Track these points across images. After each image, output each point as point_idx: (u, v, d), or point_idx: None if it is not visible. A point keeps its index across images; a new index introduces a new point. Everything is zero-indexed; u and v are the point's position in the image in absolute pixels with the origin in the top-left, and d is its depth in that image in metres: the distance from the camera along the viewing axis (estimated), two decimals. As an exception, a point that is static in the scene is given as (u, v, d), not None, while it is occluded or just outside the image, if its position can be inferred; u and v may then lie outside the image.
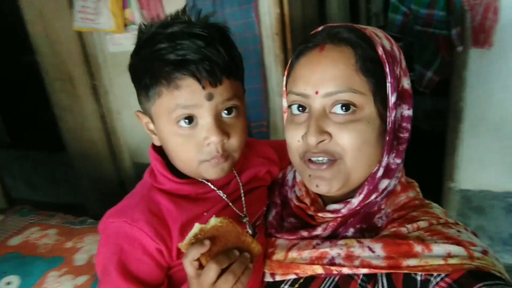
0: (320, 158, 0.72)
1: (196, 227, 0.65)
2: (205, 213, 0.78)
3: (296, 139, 0.74)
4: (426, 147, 2.80)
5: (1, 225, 2.04)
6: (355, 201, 0.75)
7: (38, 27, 2.66)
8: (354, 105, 0.69)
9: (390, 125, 0.71)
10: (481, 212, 2.46)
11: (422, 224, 0.71)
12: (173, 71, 0.69)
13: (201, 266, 0.64)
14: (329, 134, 0.70)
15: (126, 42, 2.51)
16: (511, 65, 2.07)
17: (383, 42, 0.72)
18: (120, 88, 2.81)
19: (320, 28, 0.77)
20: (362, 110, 0.70)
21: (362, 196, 0.75)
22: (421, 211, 0.75)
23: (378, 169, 0.74)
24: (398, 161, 0.76)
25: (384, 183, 0.75)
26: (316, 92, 0.70)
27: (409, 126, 0.75)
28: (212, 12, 0.78)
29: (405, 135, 0.75)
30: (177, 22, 0.72)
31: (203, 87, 0.69)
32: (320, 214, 0.79)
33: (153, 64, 0.70)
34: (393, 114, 0.71)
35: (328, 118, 0.71)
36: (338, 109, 0.70)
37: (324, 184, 0.73)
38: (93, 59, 2.73)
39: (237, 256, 0.66)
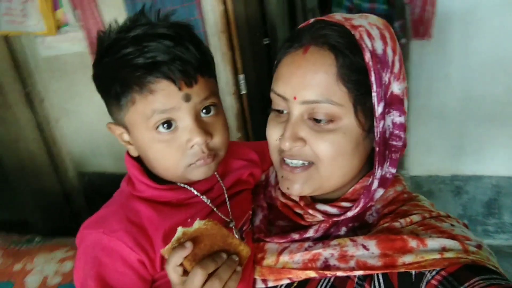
0: (295, 161, 0.71)
1: (179, 231, 0.61)
2: (189, 220, 0.74)
3: (274, 138, 0.74)
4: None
5: None
6: (351, 214, 0.74)
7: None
8: (331, 117, 0.68)
9: (378, 135, 0.69)
10: (431, 196, 2.57)
11: (415, 218, 0.71)
12: (145, 75, 0.64)
13: (185, 272, 0.60)
14: (304, 141, 0.69)
15: (60, 45, 2.35)
16: (450, 55, 2.17)
17: (375, 44, 0.67)
18: (57, 95, 2.63)
19: (311, 21, 0.72)
20: (340, 120, 0.68)
21: (358, 209, 0.73)
22: (410, 205, 0.75)
23: (372, 182, 0.72)
24: (393, 170, 0.74)
25: (380, 192, 0.75)
26: (295, 98, 0.68)
27: (402, 134, 0.72)
28: (172, 11, 0.74)
29: (398, 143, 0.72)
30: (138, 25, 0.67)
31: (179, 88, 0.65)
32: (310, 211, 0.77)
33: (121, 71, 0.65)
34: (381, 124, 0.69)
35: (305, 123, 0.70)
36: (315, 116, 0.68)
37: (296, 187, 0.73)
38: (24, 64, 2.53)
39: (224, 260, 0.63)
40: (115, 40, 0.68)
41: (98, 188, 2.88)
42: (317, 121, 0.68)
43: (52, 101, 2.70)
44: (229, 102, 2.33)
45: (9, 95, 2.56)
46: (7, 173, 2.87)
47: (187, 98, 0.67)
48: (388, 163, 0.73)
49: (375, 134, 0.69)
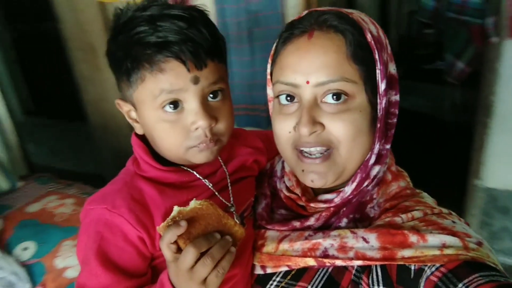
0: (313, 149, 0.70)
1: (175, 210, 0.62)
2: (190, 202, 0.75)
3: (287, 130, 0.72)
4: (451, 140, 2.69)
5: (20, 191, 2.10)
6: (348, 190, 0.74)
7: (62, -5, 2.66)
8: (346, 94, 0.68)
9: (381, 112, 0.71)
10: (507, 213, 2.36)
11: (417, 214, 0.70)
12: (156, 54, 0.66)
13: (179, 250, 0.62)
14: (322, 125, 0.69)
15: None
16: (549, 59, 1.93)
17: (370, 27, 0.70)
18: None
19: (304, 13, 0.74)
20: (354, 98, 0.68)
21: (355, 184, 0.73)
22: (413, 201, 0.74)
23: (370, 156, 0.73)
24: (388, 146, 0.76)
25: (375, 169, 0.75)
26: (307, 82, 0.68)
27: (396, 111, 0.75)
28: (182, 0, 0.76)
29: (394, 120, 0.75)
30: (155, 5, 0.69)
31: (188, 70, 0.66)
32: (312, 205, 0.77)
33: (133, 48, 0.67)
34: (384, 101, 0.70)
35: (319, 108, 0.69)
36: (329, 98, 0.68)
37: (319, 178, 0.71)
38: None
39: (218, 239, 0.63)
40: (130, 17, 0.69)
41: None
42: (332, 101, 0.68)
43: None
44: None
45: (100, 58, 2.77)
46: (92, 130, 3.14)
47: (196, 81, 0.68)
48: (384, 140, 0.74)
49: (378, 110, 0.70)
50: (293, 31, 0.71)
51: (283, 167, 0.88)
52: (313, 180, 0.72)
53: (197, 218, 0.63)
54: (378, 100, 0.70)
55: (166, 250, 0.62)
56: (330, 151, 0.70)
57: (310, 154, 0.71)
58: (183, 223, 0.60)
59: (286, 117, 0.72)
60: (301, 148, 0.71)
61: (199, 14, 0.71)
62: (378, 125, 0.71)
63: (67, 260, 1.68)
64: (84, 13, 2.65)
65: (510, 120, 2.13)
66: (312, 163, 0.71)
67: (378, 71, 0.69)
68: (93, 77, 2.85)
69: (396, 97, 0.74)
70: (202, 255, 0.61)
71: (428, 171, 2.58)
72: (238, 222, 0.66)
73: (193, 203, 0.63)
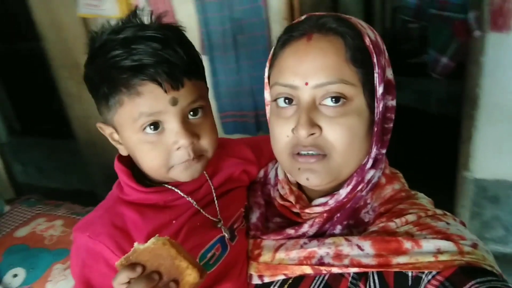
0: (310, 152, 0.70)
1: (133, 248, 0.60)
2: (173, 221, 0.76)
3: (285, 134, 0.72)
4: (438, 133, 2.72)
5: (8, 216, 2.05)
6: (343, 192, 0.74)
7: (43, 14, 2.64)
8: (345, 97, 0.68)
9: (378, 116, 0.71)
10: (497, 202, 2.40)
11: (411, 217, 0.70)
12: (132, 78, 0.66)
13: None
14: (320, 128, 0.68)
15: (131, 29, 2.46)
16: (531, 50, 1.98)
17: (368, 32, 0.71)
18: (127, 75, 2.77)
19: (303, 18, 0.74)
20: (352, 101, 0.68)
21: (350, 187, 0.73)
22: (407, 203, 0.74)
23: (367, 161, 0.72)
24: (383, 151, 0.76)
25: (370, 173, 0.75)
26: (306, 83, 0.67)
27: (393, 116, 0.75)
28: (164, 12, 0.75)
29: (390, 125, 0.75)
30: (129, 26, 0.68)
31: (166, 91, 0.66)
32: (307, 210, 0.77)
33: (109, 72, 0.67)
34: (381, 105, 0.71)
35: (318, 110, 0.69)
36: (328, 101, 0.68)
37: (315, 176, 0.71)
38: (99, 46, 2.70)
39: (156, 281, 0.58)
40: (105, 41, 0.69)
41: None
42: (331, 104, 0.68)
43: (122, 81, 2.85)
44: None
45: (85, 74, 2.76)
46: (80, 147, 3.10)
47: (174, 102, 0.68)
48: (380, 144, 0.74)
49: (375, 114, 0.71)
50: (292, 33, 0.71)
51: (276, 175, 0.88)
52: (308, 178, 0.71)
53: (150, 257, 0.60)
54: (376, 104, 0.70)
55: None
56: (325, 156, 0.70)
57: (307, 153, 0.71)
58: (139, 269, 0.58)
59: (284, 121, 0.72)
60: (297, 152, 0.71)
61: (174, 34, 0.71)
62: (375, 129, 0.71)
63: (59, 284, 1.64)
64: (67, 30, 2.63)
65: (496, 111, 2.17)
66: (306, 162, 0.70)
67: (376, 75, 0.69)
68: (79, 94, 2.82)
69: (392, 102, 0.74)
70: None
71: (417, 165, 2.61)
72: (192, 265, 0.60)
73: (150, 241, 0.60)
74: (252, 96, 2.31)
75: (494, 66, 2.07)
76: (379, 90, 0.70)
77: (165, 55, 0.66)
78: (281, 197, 0.83)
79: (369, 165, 0.73)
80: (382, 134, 0.74)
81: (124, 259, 0.59)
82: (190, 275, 0.60)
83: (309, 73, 0.67)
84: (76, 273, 0.73)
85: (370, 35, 0.70)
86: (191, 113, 0.72)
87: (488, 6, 1.90)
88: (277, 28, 2.19)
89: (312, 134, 0.68)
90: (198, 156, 0.73)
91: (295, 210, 0.80)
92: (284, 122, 0.71)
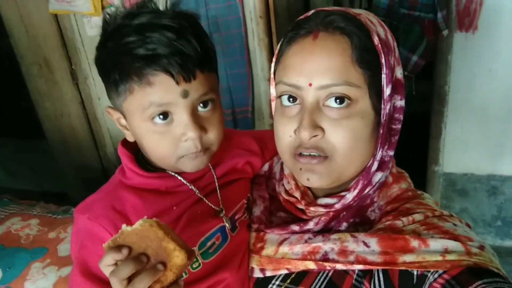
0: (312, 153, 0.69)
1: (120, 230, 0.59)
2: (174, 207, 0.76)
3: (288, 134, 0.71)
4: (408, 130, 2.80)
5: (-20, 216, 1.99)
6: (350, 196, 0.73)
7: (11, 9, 2.55)
8: (349, 99, 0.66)
9: (384, 118, 0.69)
10: (465, 195, 2.50)
11: (418, 217, 0.70)
12: (144, 67, 0.65)
13: None
14: (322, 130, 0.67)
15: (105, 26, 2.42)
16: (495, 49, 2.08)
17: (378, 29, 0.68)
18: (100, 73, 2.72)
19: (311, 13, 0.72)
20: (357, 103, 0.66)
21: (356, 191, 0.72)
22: (414, 203, 0.74)
23: (372, 163, 0.71)
24: (391, 153, 0.74)
25: (378, 175, 0.74)
26: (310, 84, 0.66)
27: (401, 117, 0.73)
28: (178, 1, 0.73)
29: (398, 126, 0.73)
30: (144, 12, 0.67)
31: (177, 83, 0.65)
32: (312, 209, 0.76)
33: (121, 58, 0.66)
34: (388, 107, 0.69)
35: (321, 112, 0.67)
36: (332, 102, 0.66)
37: (316, 177, 0.70)
38: (71, 43, 2.63)
39: (143, 264, 0.58)
40: (119, 25, 0.68)
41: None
42: (334, 105, 0.66)
43: (95, 79, 2.78)
44: (263, 87, 2.35)
45: (56, 72, 2.68)
46: (51, 147, 3.02)
47: (185, 94, 0.67)
48: (387, 146, 0.73)
49: (382, 116, 0.69)
50: (298, 31, 0.69)
51: (281, 169, 0.87)
52: (309, 178, 0.70)
53: (137, 238, 0.59)
54: (382, 106, 0.69)
55: (105, 271, 0.59)
56: (326, 158, 0.69)
57: (308, 154, 0.70)
58: (125, 251, 0.57)
59: (287, 120, 0.71)
60: (300, 153, 0.70)
61: (189, 23, 0.69)
62: (381, 131, 0.70)
63: (38, 283, 1.61)
64: (37, 27, 2.55)
65: (464, 107, 2.27)
66: (308, 163, 0.69)
67: (384, 76, 0.67)
68: (49, 92, 2.75)
69: (401, 102, 0.72)
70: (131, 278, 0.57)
71: (391, 162, 2.67)
72: (179, 247, 0.59)
73: (137, 223, 0.59)
74: (229, 94, 2.31)
75: (461, 65, 2.16)
76: (387, 91, 0.68)
77: (179, 46, 0.65)
78: (286, 192, 0.82)
79: (374, 167, 0.72)
80: (389, 136, 0.72)
81: (111, 241, 0.58)
82: (178, 257, 0.59)
83: (313, 74, 0.66)
84: (75, 253, 0.74)
85: (379, 33, 0.68)
86: (201, 105, 0.71)
87: (455, 6, 1.98)
88: (253, 25, 2.21)
89: (315, 136, 0.67)
90: (204, 149, 0.73)
91: (300, 206, 0.79)
92: (287, 121, 0.71)
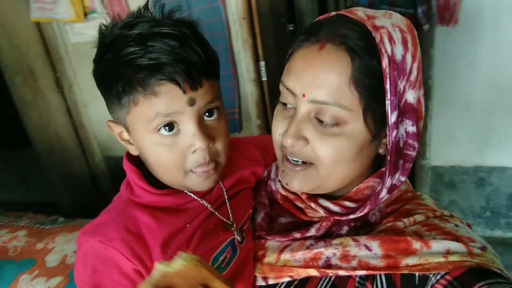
0: (295, 159, 0.70)
1: (158, 270, 0.54)
2: (187, 225, 0.73)
3: (278, 132, 0.72)
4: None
5: (-33, 229, 1.96)
6: (353, 216, 0.72)
7: (-7, 19, 2.53)
8: (338, 120, 0.65)
9: (391, 145, 0.67)
10: (453, 187, 2.53)
11: (419, 217, 0.70)
12: (149, 77, 0.62)
13: None
14: (306, 140, 0.67)
15: (87, 32, 2.41)
16: (477, 42, 2.11)
17: (395, 49, 0.64)
18: (85, 80, 2.71)
19: (333, 15, 0.70)
20: (346, 125, 0.66)
21: (363, 213, 0.72)
22: (414, 203, 0.74)
23: (381, 190, 0.70)
24: (403, 178, 0.72)
25: (386, 197, 0.72)
26: (304, 95, 0.66)
27: (415, 143, 0.70)
28: (177, 7, 0.71)
29: (412, 153, 0.70)
30: (142, 21, 0.65)
31: (184, 92, 0.63)
32: (312, 205, 0.75)
33: (123, 70, 0.63)
34: (394, 133, 0.67)
35: (310, 122, 0.67)
36: (321, 117, 0.66)
37: (295, 183, 0.71)
38: (55, 50, 2.62)
39: None
40: (117, 36, 0.65)
41: (124, 172, 2.95)
42: (323, 121, 0.66)
43: (80, 86, 2.78)
44: (249, 89, 2.35)
45: (40, 80, 2.66)
46: (38, 156, 2.98)
47: (192, 102, 0.65)
48: (400, 172, 0.71)
49: (388, 143, 0.67)
50: (309, 36, 0.68)
51: (277, 168, 0.86)
52: (288, 183, 0.72)
53: (181, 280, 0.55)
54: (388, 132, 0.66)
55: None
56: (310, 164, 0.69)
57: (293, 160, 0.71)
58: None
59: (281, 119, 0.72)
60: (285, 154, 0.72)
61: (190, 31, 0.67)
62: (389, 158, 0.68)
63: (26, 295, 1.61)
64: (19, 35, 2.53)
65: (448, 101, 2.29)
66: (292, 169, 0.71)
67: (387, 102, 0.65)
68: (35, 101, 2.72)
69: (413, 128, 0.69)
70: None
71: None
72: (224, 283, 0.55)
73: (178, 262, 0.55)
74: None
75: (444, 58, 2.19)
76: (391, 118, 0.65)
77: (183, 54, 0.63)
78: (284, 188, 0.80)
79: (383, 194, 0.70)
80: (401, 162, 0.70)
81: (151, 285, 0.53)
82: None
83: (308, 86, 0.66)
84: (84, 280, 0.68)
85: (396, 53, 0.64)
86: (206, 114, 0.69)
87: (435, 1, 2.01)
88: (236, 27, 2.22)
89: (297, 145, 0.68)
90: (213, 161, 0.70)
91: (299, 204, 0.78)
92: (280, 121, 0.72)
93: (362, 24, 0.65)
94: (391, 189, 0.71)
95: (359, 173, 0.72)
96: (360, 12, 0.67)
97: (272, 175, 0.88)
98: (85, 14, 2.36)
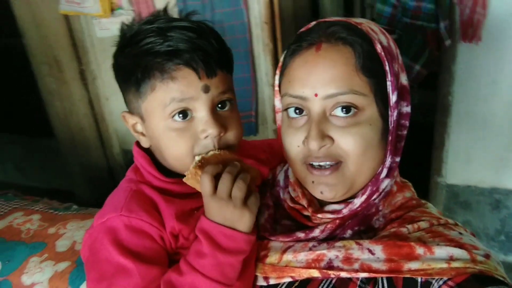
0: (323, 163, 0.69)
1: (197, 158, 0.69)
2: (195, 211, 0.75)
3: (295, 144, 0.71)
4: (411, 140, 2.79)
5: (-16, 209, 2.03)
6: (358, 202, 0.73)
7: (23, 10, 2.62)
8: (356, 107, 0.67)
9: (392, 125, 0.69)
10: (468, 208, 2.46)
11: (423, 224, 0.70)
12: (167, 62, 0.66)
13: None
14: (331, 139, 0.68)
15: (113, 27, 2.47)
16: (499, 60, 2.06)
17: (380, 37, 0.69)
18: (108, 74, 2.76)
19: (312, 24, 0.73)
20: (364, 111, 0.67)
21: (365, 196, 0.72)
22: (418, 211, 0.75)
23: (382, 170, 0.72)
24: (397, 159, 0.74)
25: (385, 182, 0.74)
26: (316, 95, 0.67)
27: (407, 123, 0.73)
28: (194, 12, 0.76)
29: (404, 132, 0.74)
30: (162, 19, 0.70)
31: (200, 78, 0.67)
32: (319, 215, 0.76)
33: (143, 58, 0.67)
34: (395, 113, 0.69)
35: (329, 121, 0.68)
36: (338, 111, 0.67)
37: (329, 190, 0.71)
38: (81, 43, 2.69)
39: (238, 167, 0.68)
40: (137, 31, 0.69)
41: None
42: (341, 114, 0.67)
43: (103, 80, 2.85)
44: (267, 93, 2.37)
45: (65, 71, 2.75)
46: (59, 145, 3.08)
47: (206, 89, 0.68)
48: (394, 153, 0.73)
49: (390, 123, 0.69)
50: (301, 43, 0.70)
51: (286, 177, 0.86)
52: (322, 191, 0.71)
53: (220, 161, 0.69)
54: (389, 112, 0.69)
55: (207, 183, 0.66)
56: (339, 164, 0.69)
57: (320, 166, 0.70)
58: (220, 166, 0.67)
59: (295, 131, 0.71)
60: (311, 162, 0.71)
61: (207, 26, 0.72)
62: (390, 138, 0.70)
63: (35, 276, 1.64)
64: (48, 27, 2.62)
65: (467, 118, 2.24)
66: (321, 175, 0.70)
67: (388, 83, 0.68)
68: (59, 91, 2.81)
69: (407, 109, 0.72)
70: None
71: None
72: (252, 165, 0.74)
73: (212, 152, 0.70)
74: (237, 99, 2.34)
75: (465, 75, 2.14)
76: (393, 98, 0.68)
77: (200, 44, 0.67)
78: (292, 199, 0.81)
79: (383, 174, 0.72)
80: (396, 142, 0.73)
81: (195, 165, 0.68)
82: (254, 170, 0.73)
83: (318, 84, 0.67)
84: (115, 255, 0.68)
85: (382, 41, 0.68)
86: (219, 105, 0.72)
87: (458, 17, 1.98)
88: (258, 31, 2.23)
89: (324, 145, 0.67)
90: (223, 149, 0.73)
91: (306, 213, 0.79)
92: (294, 132, 0.71)
93: (345, 22, 0.70)
94: (389, 171, 0.73)
95: (382, 162, 0.72)
96: (337, 17, 0.73)
97: (281, 183, 0.88)
98: (112, 10, 2.42)
